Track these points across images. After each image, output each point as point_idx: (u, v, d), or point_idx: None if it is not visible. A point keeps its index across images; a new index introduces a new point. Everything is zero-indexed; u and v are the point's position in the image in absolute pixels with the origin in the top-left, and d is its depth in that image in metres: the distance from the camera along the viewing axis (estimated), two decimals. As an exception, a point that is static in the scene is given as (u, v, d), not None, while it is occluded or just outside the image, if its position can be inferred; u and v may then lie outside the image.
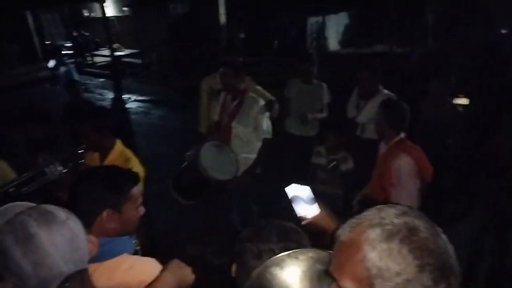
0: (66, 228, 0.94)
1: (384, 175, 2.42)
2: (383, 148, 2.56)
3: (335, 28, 9.98)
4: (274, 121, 3.34)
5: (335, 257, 0.70)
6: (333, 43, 10.01)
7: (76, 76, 5.33)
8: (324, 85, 3.87)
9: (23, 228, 0.90)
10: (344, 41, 10.03)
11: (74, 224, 0.97)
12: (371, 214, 0.68)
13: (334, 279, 0.68)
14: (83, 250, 0.97)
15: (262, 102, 3.16)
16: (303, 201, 1.56)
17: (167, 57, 10.84)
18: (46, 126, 2.84)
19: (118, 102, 8.41)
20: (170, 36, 10.50)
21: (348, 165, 3.24)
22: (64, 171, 2.21)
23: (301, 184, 1.58)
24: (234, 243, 1.14)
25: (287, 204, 1.59)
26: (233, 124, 3.17)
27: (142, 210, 1.45)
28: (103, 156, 2.37)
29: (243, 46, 8.08)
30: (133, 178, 1.45)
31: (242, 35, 8.60)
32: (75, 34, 12.35)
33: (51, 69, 6.37)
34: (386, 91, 3.35)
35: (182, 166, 3.16)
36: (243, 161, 3.15)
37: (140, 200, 1.44)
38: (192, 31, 9.71)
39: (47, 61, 9.31)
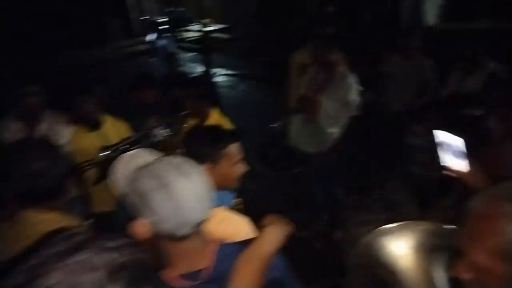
0: (198, 178, 1.03)
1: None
2: (495, 126, 2.35)
3: None
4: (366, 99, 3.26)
5: (467, 230, 0.67)
6: (430, 17, 9.24)
7: (173, 49, 5.67)
8: (428, 61, 3.65)
9: (163, 176, 0.99)
10: (443, 15, 9.20)
11: (203, 176, 1.06)
12: (508, 187, 0.65)
13: (463, 253, 0.66)
14: (210, 199, 1.06)
15: (353, 78, 3.10)
16: (452, 152, 1.48)
17: (254, 32, 10.97)
18: (156, 92, 3.10)
19: (207, 75, 8.77)
20: (258, 11, 10.56)
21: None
22: (168, 133, 2.42)
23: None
24: (335, 211, 1.17)
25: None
26: (322, 98, 3.15)
27: (241, 167, 1.55)
28: (201, 122, 2.54)
29: (333, 19, 7.84)
30: (229, 136, 1.57)
31: (332, 8, 8.32)
32: (169, 9, 13.04)
33: (150, 42, 6.82)
34: (492, 64, 3.08)
35: (268, 138, 3.25)
36: (330, 136, 3.14)
37: (237, 157, 1.55)
38: (280, 5, 9.66)
39: (146, 35, 9.96)
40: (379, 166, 3.49)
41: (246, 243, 1.17)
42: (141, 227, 1.02)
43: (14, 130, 2.41)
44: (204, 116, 2.48)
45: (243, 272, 1.06)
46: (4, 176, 1.30)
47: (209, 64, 9.54)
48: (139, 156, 1.20)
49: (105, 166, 2.35)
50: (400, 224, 0.86)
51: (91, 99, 2.52)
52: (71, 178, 1.43)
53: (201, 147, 1.49)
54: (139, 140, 2.37)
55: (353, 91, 3.05)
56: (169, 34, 9.18)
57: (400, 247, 0.82)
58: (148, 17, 13.37)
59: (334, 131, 3.13)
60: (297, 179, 3.69)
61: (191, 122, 2.58)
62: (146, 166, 1.05)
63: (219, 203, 1.46)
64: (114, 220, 2.05)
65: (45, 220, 1.33)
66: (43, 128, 2.50)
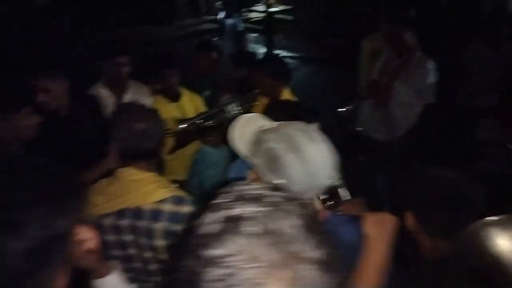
0: (326, 145, 1.08)
1: None
2: None
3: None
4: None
5: None
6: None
7: (241, 28, 5.74)
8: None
9: (295, 140, 1.04)
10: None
11: (328, 143, 1.10)
12: None
13: None
14: (335, 167, 1.09)
15: (431, 64, 2.98)
16: None
17: (318, 14, 10.74)
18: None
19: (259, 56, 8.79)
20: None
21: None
22: (240, 111, 2.50)
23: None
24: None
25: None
26: (395, 84, 3.07)
27: None
28: (273, 100, 2.59)
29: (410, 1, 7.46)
30: (311, 114, 1.56)
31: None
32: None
33: (217, 21, 6.92)
34: None
35: (334, 123, 3.22)
36: (402, 124, 3.06)
37: None
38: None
39: (213, 15, 10.08)
40: (449, 159, 3.35)
41: (352, 217, 1.21)
42: None
43: (104, 97, 2.60)
44: (276, 95, 2.52)
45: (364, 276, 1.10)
46: (110, 135, 1.45)
47: (271, 46, 9.54)
48: (256, 120, 1.28)
49: (180, 137, 2.50)
50: (508, 216, 0.84)
51: (174, 72, 2.65)
52: (164, 141, 1.56)
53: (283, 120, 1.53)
54: (213, 116, 2.48)
55: (430, 78, 2.94)
56: (236, 14, 9.28)
57: (507, 238, 0.80)
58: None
59: (407, 119, 3.05)
60: (361, 166, 3.65)
61: (262, 100, 2.64)
62: (273, 129, 1.09)
63: None
64: (186, 189, 2.18)
65: (143, 179, 1.47)
66: (128, 96, 2.68)
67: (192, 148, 2.73)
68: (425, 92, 2.95)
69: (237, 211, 0.55)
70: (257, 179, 1.21)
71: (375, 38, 3.65)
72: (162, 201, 1.45)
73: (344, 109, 3.24)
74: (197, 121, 2.45)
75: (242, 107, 2.49)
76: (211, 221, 0.56)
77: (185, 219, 1.44)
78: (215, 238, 0.53)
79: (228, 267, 0.50)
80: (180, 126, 2.34)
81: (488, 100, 3.40)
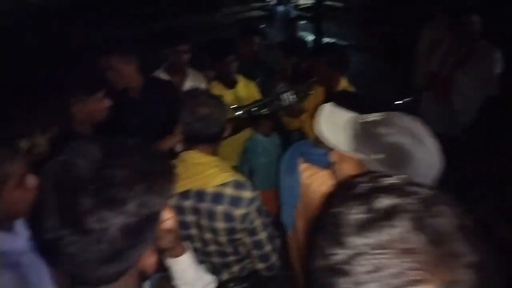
0: (431, 137, 1.07)
1: None
2: None
3: None
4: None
5: None
6: None
7: (293, 15, 5.67)
8: None
9: (417, 133, 1.04)
10: None
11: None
12: None
13: None
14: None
15: (497, 53, 2.79)
16: None
17: (369, 1, 10.39)
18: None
19: (318, 44, 8.62)
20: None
21: None
22: (295, 100, 2.47)
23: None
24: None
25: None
26: (457, 75, 2.92)
27: None
28: (328, 91, 2.54)
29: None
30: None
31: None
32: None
33: (267, 8, 6.85)
34: None
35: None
36: (464, 117, 2.91)
37: None
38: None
39: (264, 1, 10.03)
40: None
41: None
42: None
43: None
44: (334, 84, 2.47)
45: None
46: (177, 119, 1.50)
47: (320, 33, 9.36)
48: (338, 111, 1.26)
49: (234, 124, 2.52)
50: None
51: (234, 59, 2.67)
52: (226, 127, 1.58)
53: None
54: (268, 104, 2.47)
55: (495, 69, 2.77)
56: (287, 0, 9.18)
57: None
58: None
59: (468, 112, 2.91)
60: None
61: (318, 89, 2.60)
62: (388, 122, 1.08)
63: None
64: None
65: (206, 162, 1.51)
66: (187, 83, 2.73)
67: (244, 135, 2.75)
68: (489, 84, 2.79)
69: (387, 202, 0.53)
70: (336, 171, 1.21)
71: (435, 26, 3.48)
72: (223, 184, 1.48)
73: (401, 102, 3.13)
74: (251, 109, 2.46)
75: (297, 96, 2.46)
76: (358, 211, 0.53)
77: (245, 203, 1.46)
78: (366, 227, 0.51)
79: (379, 258, 0.48)
80: (235, 113, 2.35)
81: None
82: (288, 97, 2.45)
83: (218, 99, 1.57)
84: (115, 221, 0.67)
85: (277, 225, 1.69)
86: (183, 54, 2.65)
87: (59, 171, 0.69)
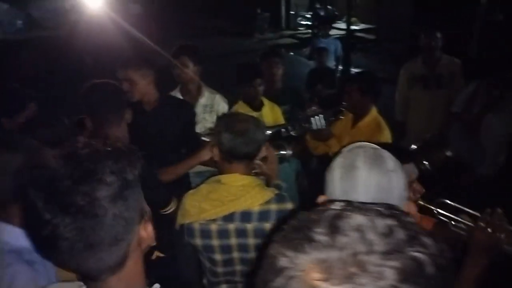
0: (386, 178, 0.99)
1: None
2: None
3: None
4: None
5: None
6: None
7: (322, 44, 5.76)
8: None
9: (352, 159, 1.01)
10: None
11: (396, 179, 1.00)
12: None
13: None
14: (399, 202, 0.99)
15: None
16: None
17: (402, 34, 10.42)
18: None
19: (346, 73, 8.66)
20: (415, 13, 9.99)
21: None
22: (324, 124, 2.47)
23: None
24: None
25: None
26: (487, 116, 2.90)
27: (413, 192, 1.37)
28: (357, 118, 2.54)
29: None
30: (402, 155, 1.31)
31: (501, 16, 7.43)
32: (318, 6, 13.20)
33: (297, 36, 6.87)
34: None
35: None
36: (491, 156, 2.87)
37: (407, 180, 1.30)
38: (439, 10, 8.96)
39: (293, 30, 10.17)
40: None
41: None
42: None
43: None
44: (364, 110, 2.47)
45: None
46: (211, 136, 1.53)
47: (349, 64, 9.41)
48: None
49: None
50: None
51: (261, 82, 2.72)
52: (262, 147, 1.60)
53: None
54: (297, 126, 2.48)
55: None
56: (315, 31, 9.31)
57: None
58: (294, 12, 13.75)
59: (497, 151, 2.87)
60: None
61: (346, 117, 2.60)
62: (353, 148, 1.09)
63: None
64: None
65: (249, 183, 1.54)
66: (202, 101, 2.81)
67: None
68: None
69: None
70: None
71: (414, 63, 3.56)
72: (268, 201, 1.53)
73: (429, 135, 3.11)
74: (281, 131, 2.47)
75: (326, 120, 2.47)
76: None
77: (289, 215, 1.47)
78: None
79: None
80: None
81: None
82: (318, 121, 2.46)
83: (255, 118, 1.60)
84: (99, 192, 0.72)
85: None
86: (184, 68, 2.69)
87: (35, 173, 0.76)
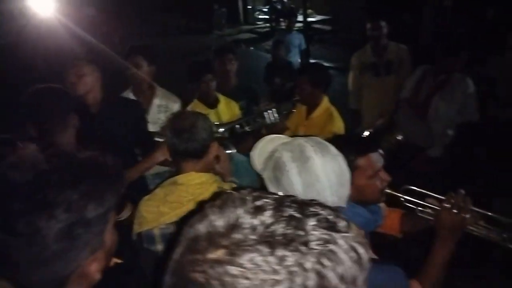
0: (337, 162, 1.04)
1: None
2: None
3: None
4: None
5: None
6: None
7: (280, 37, 5.80)
8: None
9: (301, 150, 1.03)
10: None
11: (343, 161, 1.06)
12: None
13: None
14: (347, 188, 1.06)
15: (471, 83, 2.93)
16: None
17: (357, 25, 10.66)
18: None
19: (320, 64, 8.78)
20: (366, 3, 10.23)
21: None
22: (278, 118, 2.50)
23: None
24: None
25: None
26: (434, 99, 3.03)
27: (380, 181, 1.36)
28: (310, 109, 2.59)
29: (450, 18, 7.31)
30: (360, 147, 1.37)
31: (449, 2, 7.73)
32: (274, 0, 13.30)
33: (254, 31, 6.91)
34: None
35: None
36: (438, 138, 3.01)
37: (374, 169, 1.33)
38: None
39: (250, 24, 10.20)
40: (486, 177, 3.23)
41: None
42: None
43: None
44: (315, 102, 2.52)
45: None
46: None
47: (307, 55, 9.54)
48: (280, 139, 1.27)
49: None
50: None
51: (211, 78, 2.71)
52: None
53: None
54: (251, 122, 2.50)
55: (471, 97, 2.90)
56: (273, 24, 9.39)
57: None
58: (251, 6, 13.78)
59: (445, 133, 3.01)
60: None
61: (299, 110, 2.64)
62: (288, 141, 1.10)
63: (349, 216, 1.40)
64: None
65: (206, 180, 1.53)
66: (156, 102, 2.75)
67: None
68: (467, 110, 2.92)
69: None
70: None
71: (364, 52, 3.67)
72: None
73: (380, 121, 3.22)
74: (231, 127, 2.48)
75: (280, 114, 2.50)
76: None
77: None
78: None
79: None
80: (218, 131, 2.37)
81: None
82: (271, 115, 2.49)
83: (200, 115, 1.59)
84: (44, 225, 0.68)
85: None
86: (140, 68, 2.62)
87: None
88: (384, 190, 1.39)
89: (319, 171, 1.01)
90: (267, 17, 12.80)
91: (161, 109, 2.80)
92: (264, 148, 1.19)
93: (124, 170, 1.31)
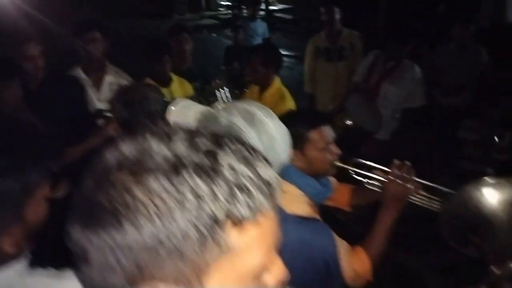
0: (280, 123, 1.08)
1: None
2: None
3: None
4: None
5: None
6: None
7: (241, 23, 5.79)
8: (483, 49, 3.50)
9: (252, 115, 1.04)
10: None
11: (280, 124, 1.09)
12: None
13: None
14: (290, 147, 1.10)
15: (418, 70, 3.07)
16: None
17: (318, 14, 10.81)
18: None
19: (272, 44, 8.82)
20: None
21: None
22: (230, 98, 2.52)
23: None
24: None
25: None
26: (384, 84, 3.15)
27: (331, 154, 1.41)
28: (263, 89, 2.62)
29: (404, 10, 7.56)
30: (312, 120, 1.42)
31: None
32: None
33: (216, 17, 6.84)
34: None
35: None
36: (386, 123, 3.14)
37: (325, 142, 1.38)
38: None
39: (212, 10, 10.09)
40: (430, 160, 3.42)
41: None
42: None
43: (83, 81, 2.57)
44: (267, 82, 2.55)
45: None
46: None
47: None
48: (193, 104, 1.26)
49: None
50: (505, 179, 0.87)
51: (168, 59, 2.67)
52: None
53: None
54: (202, 101, 2.50)
55: (418, 83, 3.04)
56: (235, 11, 9.33)
57: (500, 200, 0.83)
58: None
59: (393, 118, 3.15)
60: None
61: (252, 89, 2.67)
62: (231, 107, 1.10)
63: (304, 189, 1.38)
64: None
65: None
66: (107, 79, 2.68)
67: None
68: (415, 96, 3.06)
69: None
70: None
71: (319, 37, 3.78)
72: None
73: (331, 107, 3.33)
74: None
75: (232, 94, 2.52)
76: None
77: None
78: None
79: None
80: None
81: (461, 97, 3.57)
82: (223, 94, 2.50)
83: (152, 86, 1.56)
84: None
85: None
86: (94, 43, 2.55)
87: None
88: (334, 163, 1.43)
89: (274, 133, 1.04)
90: (229, 3, 12.70)
91: (112, 87, 2.72)
92: (183, 115, 1.19)
93: (59, 145, 1.28)
